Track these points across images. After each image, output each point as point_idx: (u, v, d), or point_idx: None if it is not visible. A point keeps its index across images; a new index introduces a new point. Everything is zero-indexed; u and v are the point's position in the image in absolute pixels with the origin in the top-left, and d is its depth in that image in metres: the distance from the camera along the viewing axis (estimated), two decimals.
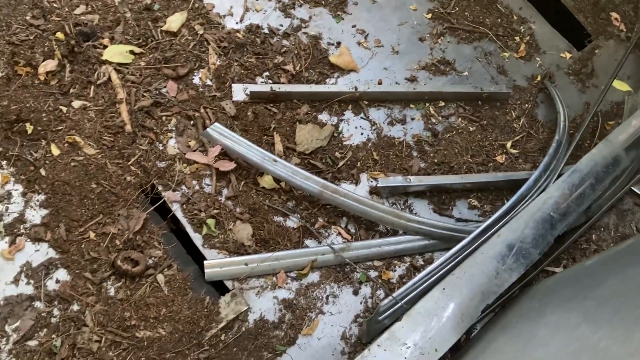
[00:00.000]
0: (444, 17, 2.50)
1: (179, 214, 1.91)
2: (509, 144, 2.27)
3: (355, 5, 2.44)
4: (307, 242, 1.96)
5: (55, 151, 1.88)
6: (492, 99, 2.35)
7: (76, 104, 1.96)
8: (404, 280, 1.96)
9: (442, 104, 2.30)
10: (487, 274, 1.82)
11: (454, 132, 2.26)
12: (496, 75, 2.42)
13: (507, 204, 2.03)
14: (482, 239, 1.95)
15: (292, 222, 1.97)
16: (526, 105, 2.37)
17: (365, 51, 2.35)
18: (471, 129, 2.28)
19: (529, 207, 2.00)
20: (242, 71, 2.16)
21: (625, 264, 1.58)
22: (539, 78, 2.45)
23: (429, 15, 2.49)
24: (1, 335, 1.65)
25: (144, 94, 2.03)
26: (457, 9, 2.53)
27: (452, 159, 2.19)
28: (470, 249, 1.93)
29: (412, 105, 2.28)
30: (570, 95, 2.45)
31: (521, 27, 2.56)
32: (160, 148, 1.98)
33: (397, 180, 2.06)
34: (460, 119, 2.29)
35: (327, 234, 1.98)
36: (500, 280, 1.83)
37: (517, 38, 2.52)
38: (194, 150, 1.99)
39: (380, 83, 2.28)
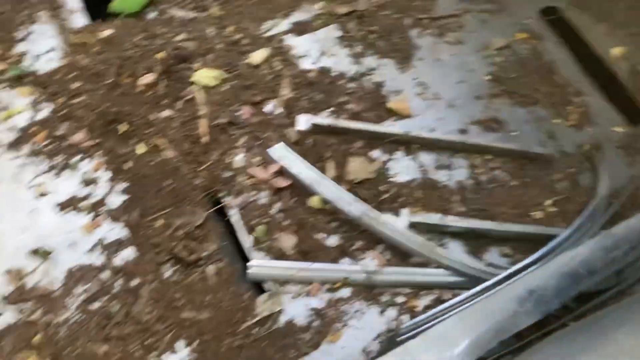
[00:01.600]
0: (501, 81, 2.70)
1: (235, 218, 2.16)
2: (547, 202, 2.39)
3: (420, 60, 2.69)
4: (343, 260, 2.15)
5: (141, 150, 2.20)
6: (538, 160, 2.50)
7: (164, 113, 2.29)
8: (428, 311, 2.10)
9: (489, 157, 2.47)
10: (505, 313, 1.94)
11: (497, 185, 2.42)
12: (545, 139, 2.57)
13: (536, 254, 2.15)
14: (507, 283, 2.07)
15: (332, 241, 2.18)
16: (571, 169, 2.50)
17: (423, 102, 2.58)
18: (513, 184, 2.43)
19: (556, 259, 2.11)
20: (309, 105, 2.45)
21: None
22: (586, 147, 2.57)
23: (488, 77, 2.70)
24: (72, 294, 1.94)
25: (222, 113, 2.34)
26: (516, 75, 2.73)
27: (491, 208, 2.34)
28: (494, 290, 2.06)
29: (460, 155, 2.47)
30: (617, 168, 2.55)
31: (576, 98, 2.71)
32: (228, 161, 2.27)
33: (434, 217, 2.24)
34: (504, 173, 2.45)
35: (362, 256, 2.17)
36: (517, 320, 1.94)
37: (570, 107, 2.68)
38: (257, 166, 2.26)
39: (432, 131, 2.49)
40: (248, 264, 2.06)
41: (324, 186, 2.19)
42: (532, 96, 2.67)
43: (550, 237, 2.24)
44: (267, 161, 2.28)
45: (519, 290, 2.01)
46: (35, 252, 1.97)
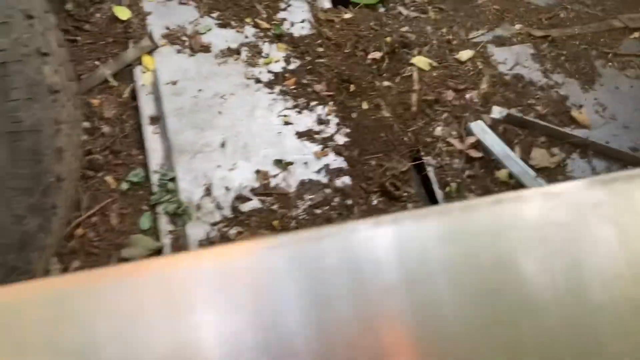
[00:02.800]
0: None
1: (431, 175, 2.59)
2: None
3: (601, 85, 3.05)
4: None
5: (365, 106, 2.71)
6: None
7: (385, 83, 2.80)
8: None
9: None
10: None
11: None
12: None
13: None
14: None
15: None
16: None
17: (601, 119, 2.92)
18: None
19: None
20: (502, 100, 2.86)
21: None
22: None
23: None
24: (302, 198, 2.43)
25: (430, 92, 2.81)
26: None
27: None
28: None
29: (628, 167, 2.76)
30: None
31: None
32: (430, 129, 2.72)
33: None
34: None
35: None
36: None
37: None
38: (454, 138, 2.69)
39: (607, 143, 2.81)
40: None
41: (512, 163, 2.57)
42: None
43: None
44: (462, 136, 2.70)
45: None
46: (279, 162, 2.49)
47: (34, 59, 1.48)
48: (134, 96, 2.66)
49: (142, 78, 2.65)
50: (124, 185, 2.39)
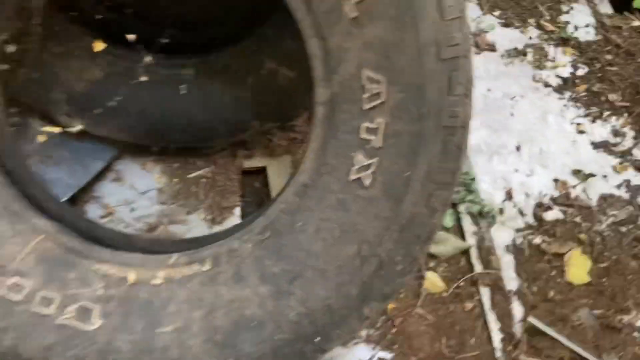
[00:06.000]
0: None
1: None
2: None
3: None
4: None
5: None
6: None
7: None
8: None
9: None
10: None
11: None
12: None
13: None
14: None
15: None
16: None
17: None
18: None
19: None
20: None
21: None
22: None
23: None
24: (603, 214, 2.32)
25: None
26: None
27: None
28: None
29: None
30: None
31: None
32: None
33: None
34: None
35: None
36: None
37: None
38: None
39: None
40: None
41: None
42: None
43: None
44: None
45: None
46: (577, 172, 2.39)
47: (470, 54, 1.47)
48: None
49: None
50: None
